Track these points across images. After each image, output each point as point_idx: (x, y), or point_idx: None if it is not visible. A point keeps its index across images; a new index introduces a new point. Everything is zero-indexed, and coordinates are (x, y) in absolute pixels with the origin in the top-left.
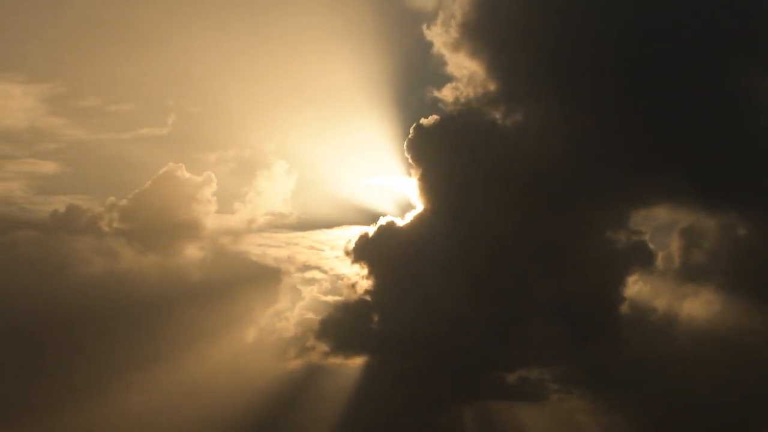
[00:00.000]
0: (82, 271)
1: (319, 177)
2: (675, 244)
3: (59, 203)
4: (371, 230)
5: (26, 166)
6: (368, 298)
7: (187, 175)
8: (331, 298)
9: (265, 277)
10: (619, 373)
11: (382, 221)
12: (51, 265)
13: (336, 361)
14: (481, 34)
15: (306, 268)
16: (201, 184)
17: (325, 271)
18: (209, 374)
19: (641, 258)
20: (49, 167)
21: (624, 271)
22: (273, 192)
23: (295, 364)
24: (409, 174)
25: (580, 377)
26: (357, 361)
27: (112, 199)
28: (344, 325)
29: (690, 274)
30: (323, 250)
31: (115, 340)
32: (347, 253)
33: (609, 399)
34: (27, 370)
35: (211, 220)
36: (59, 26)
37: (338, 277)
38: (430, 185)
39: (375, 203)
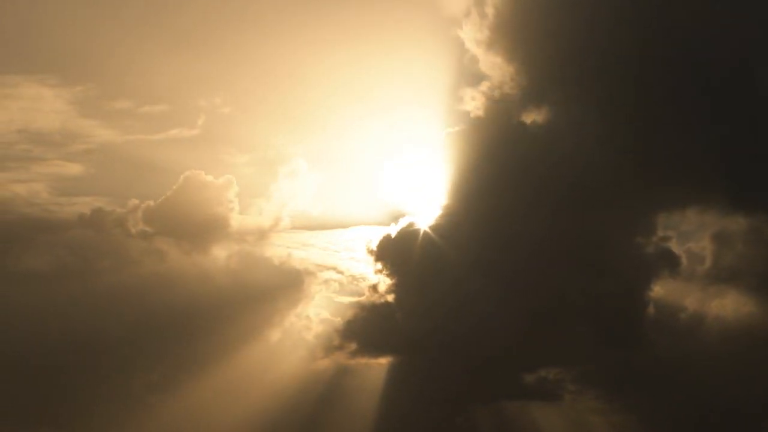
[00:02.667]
0: (106, 276)
1: (346, 177)
2: (703, 246)
3: (81, 205)
4: (394, 230)
5: (52, 167)
6: (391, 298)
7: (210, 178)
8: (351, 299)
9: (289, 279)
10: (641, 374)
11: (406, 221)
12: (74, 269)
13: (361, 361)
14: (513, 34)
15: (327, 268)
16: (224, 186)
17: (342, 272)
18: (240, 377)
19: (668, 260)
20: (74, 169)
21: (651, 273)
22: (299, 193)
23: (322, 364)
24: (436, 174)
25: (599, 378)
26: (382, 361)
27: (135, 201)
28: (369, 326)
29: (719, 275)
30: (340, 251)
31: (144, 347)
32: (370, 253)
33: (626, 399)
34: (54, 373)
35: (236, 221)
36: (92, 29)
37: (357, 278)
38: (458, 185)
39: (399, 203)
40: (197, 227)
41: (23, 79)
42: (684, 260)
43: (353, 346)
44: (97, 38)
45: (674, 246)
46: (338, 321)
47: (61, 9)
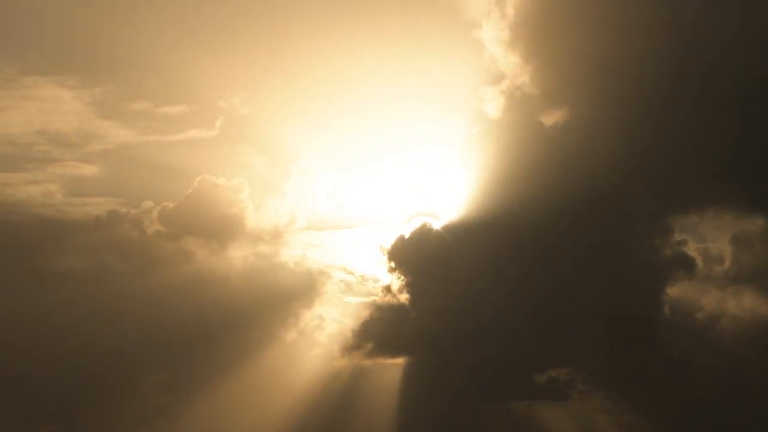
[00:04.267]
0: (123, 279)
1: (363, 178)
2: (721, 247)
3: (94, 206)
4: (409, 230)
5: (68, 168)
6: (405, 299)
7: (224, 181)
8: (364, 299)
9: (304, 279)
10: (654, 374)
11: (421, 221)
12: (88, 273)
13: (378, 361)
14: (533, 33)
15: (342, 268)
16: (238, 189)
17: (355, 272)
18: (259, 379)
19: (684, 263)
20: (88, 170)
21: (667, 276)
22: (316, 193)
23: (338, 365)
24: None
25: (610, 378)
26: (398, 361)
27: (149, 203)
28: (384, 326)
29: (737, 276)
30: (355, 251)
31: (166, 349)
32: (384, 253)
33: (637, 400)
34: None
35: (250, 223)
36: (112, 31)
37: (370, 278)
38: (474, 185)
39: (415, 203)
40: (212, 230)
41: (43, 80)
42: (701, 261)
43: (369, 346)
44: (117, 40)
45: (691, 247)
46: (353, 321)
47: (82, 12)
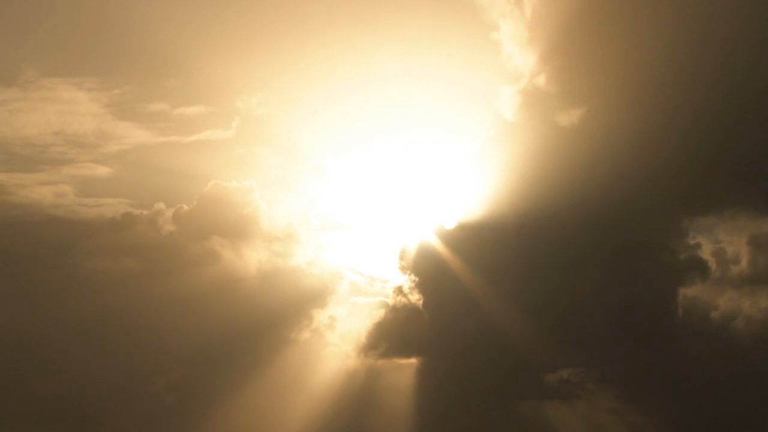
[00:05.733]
0: (136, 281)
1: (378, 179)
2: (737, 248)
3: (106, 207)
4: (422, 231)
5: (82, 169)
6: (417, 300)
7: (236, 184)
8: (378, 300)
9: (318, 280)
10: (667, 375)
11: (434, 222)
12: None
13: (392, 361)
14: (551, 33)
15: (355, 269)
16: (250, 192)
17: (368, 273)
18: (278, 380)
19: (699, 265)
20: (102, 171)
21: (682, 278)
22: (331, 194)
23: (353, 365)
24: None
25: (622, 378)
26: (412, 361)
27: (161, 205)
28: (397, 327)
29: (752, 277)
30: (369, 252)
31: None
32: (397, 255)
33: (648, 401)
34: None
35: (264, 226)
36: (132, 32)
37: (383, 279)
38: (488, 186)
39: (428, 204)
40: (226, 232)
41: (61, 81)
42: (718, 262)
43: (383, 346)
44: (137, 41)
45: (707, 249)
46: (366, 322)
47: (103, 14)
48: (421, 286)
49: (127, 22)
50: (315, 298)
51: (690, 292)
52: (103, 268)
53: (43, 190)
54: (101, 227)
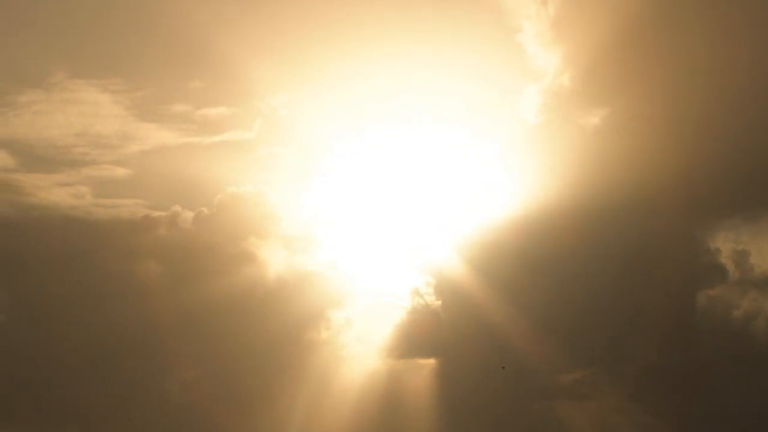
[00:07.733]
0: (153, 282)
1: (398, 182)
2: (760, 249)
3: (121, 208)
4: (440, 234)
5: (102, 170)
6: (435, 302)
7: (251, 189)
8: (394, 302)
9: (333, 282)
10: (681, 376)
11: (452, 225)
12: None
13: (410, 362)
14: (574, 33)
15: (369, 270)
16: (264, 196)
17: (383, 275)
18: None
19: (718, 268)
20: (120, 172)
21: (702, 280)
22: (349, 196)
23: (374, 366)
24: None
25: (636, 379)
26: (431, 362)
27: (177, 207)
28: (415, 329)
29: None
30: (385, 255)
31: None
32: (415, 257)
33: (660, 401)
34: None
35: (279, 229)
36: (156, 34)
37: (396, 280)
38: (510, 188)
39: (446, 207)
40: (244, 236)
41: (85, 83)
42: (741, 263)
43: (402, 347)
44: (162, 43)
45: (726, 252)
46: (384, 324)
47: (128, 16)
48: (439, 289)
49: (154, 25)
50: (333, 300)
51: (712, 292)
52: (123, 271)
53: (61, 191)
54: (118, 229)
